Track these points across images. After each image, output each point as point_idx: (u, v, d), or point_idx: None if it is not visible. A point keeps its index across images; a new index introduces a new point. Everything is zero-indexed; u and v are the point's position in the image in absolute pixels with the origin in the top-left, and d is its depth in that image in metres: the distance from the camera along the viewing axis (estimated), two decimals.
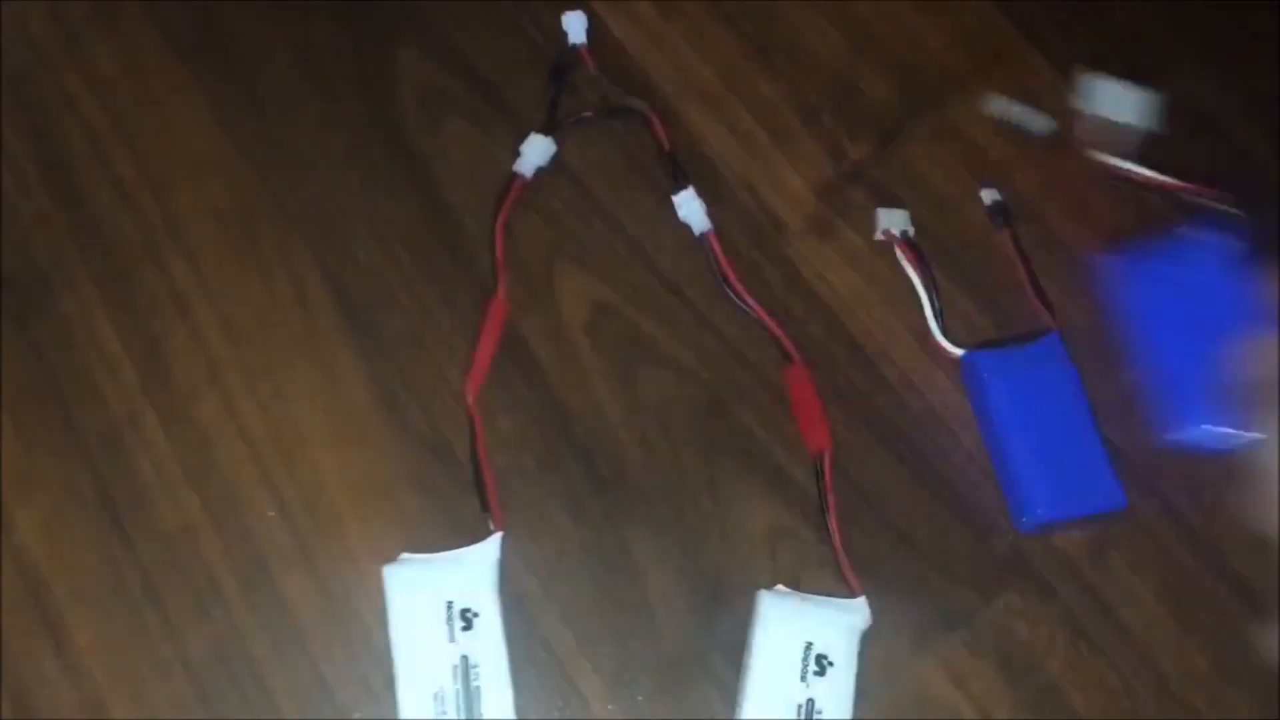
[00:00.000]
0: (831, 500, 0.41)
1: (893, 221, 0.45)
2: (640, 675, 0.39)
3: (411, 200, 0.45)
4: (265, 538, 0.40)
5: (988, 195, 0.46)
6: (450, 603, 0.38)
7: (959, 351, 0.43)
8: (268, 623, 0.39)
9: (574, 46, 0.47)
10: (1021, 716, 0.39)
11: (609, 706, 0.39)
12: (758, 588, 0.40)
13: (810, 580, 0.40)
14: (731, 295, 0.43)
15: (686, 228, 0.45)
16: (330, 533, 0.40)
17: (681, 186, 0.45)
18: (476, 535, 0.39)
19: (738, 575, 0.40)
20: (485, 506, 0.40)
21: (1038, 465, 0.41)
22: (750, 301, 0.43)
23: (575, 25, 0.47)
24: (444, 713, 0.37)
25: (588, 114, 0.46)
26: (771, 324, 0.43)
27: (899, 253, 0.45)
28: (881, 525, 0.41)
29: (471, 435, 0.41)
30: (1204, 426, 0.41)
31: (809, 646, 0.38)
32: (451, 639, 0.37)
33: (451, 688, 0.37)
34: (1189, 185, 0.45)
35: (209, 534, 0.40)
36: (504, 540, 0.39)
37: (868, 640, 0.39)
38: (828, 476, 0.41)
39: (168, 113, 0.45)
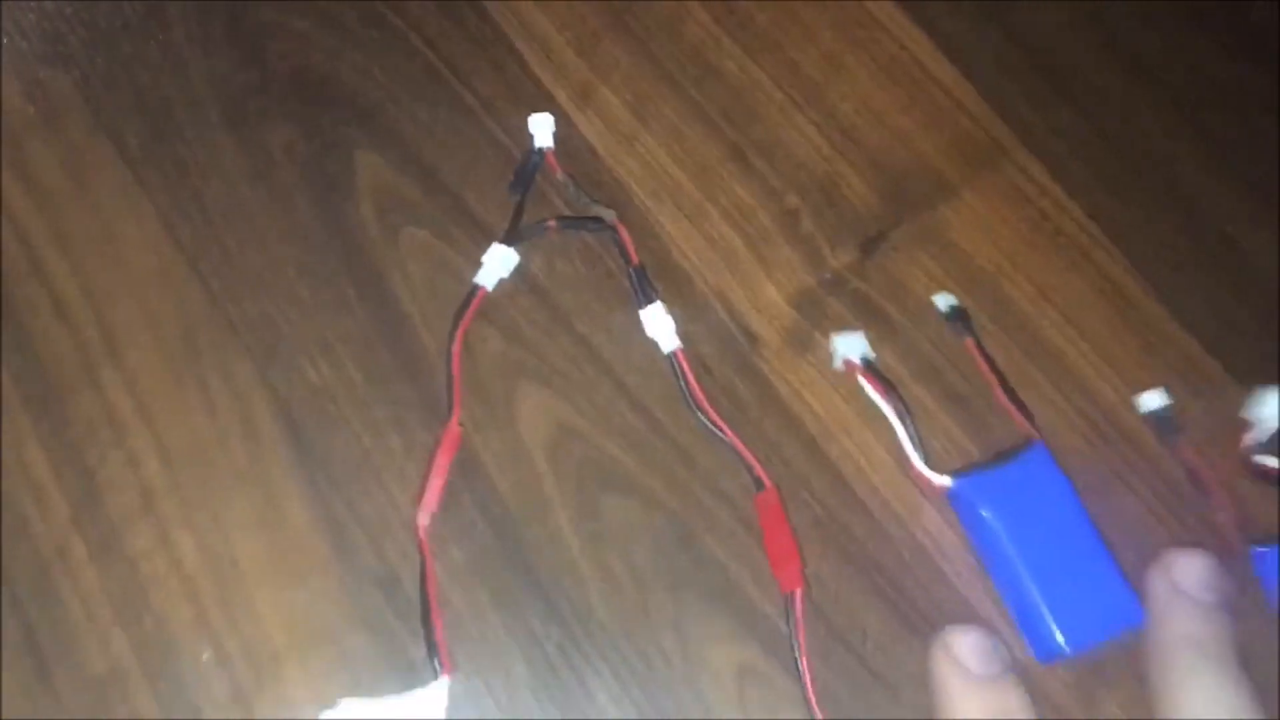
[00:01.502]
0: (803, 641, 0.38)
1: (850, 348, 0.42)
2: None
3: (366, 315, 0.43)
4: (198, 684, 0.37)
5: (943, 301, 0.44)
6: None
7: (946, 481, 0.41)
8: None
9: (539, 150, 0.45)
10: None
11: None
12: None
13: None
14: (701, 416, 0.41)
15: (656, 346, 0.43)
16: (267, 676, 0.37)
17: (649, 300, 0.43)
18: (424, 677, 0.37)
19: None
20: (432, 648, 0.37)
21: (1052, 595, 0.38)
22: (720, 424, 0.41)
23: (542, 128, 0.45)
24: None
25: (552, 222, 0.44)
26: (743, 449, 0.41)
27: (863, 381, 0.42)
28: (856, 664, 0.39)
29: (421, 571, 0.38)
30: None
31: None
32: None
33: None
34: None
35: (138, 679, 0.37)
36: (451, 686, 0.37)
37: None
38: (799, 617, 0.38)
39: (110, 222, 0.43)
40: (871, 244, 0.45)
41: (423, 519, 0.39)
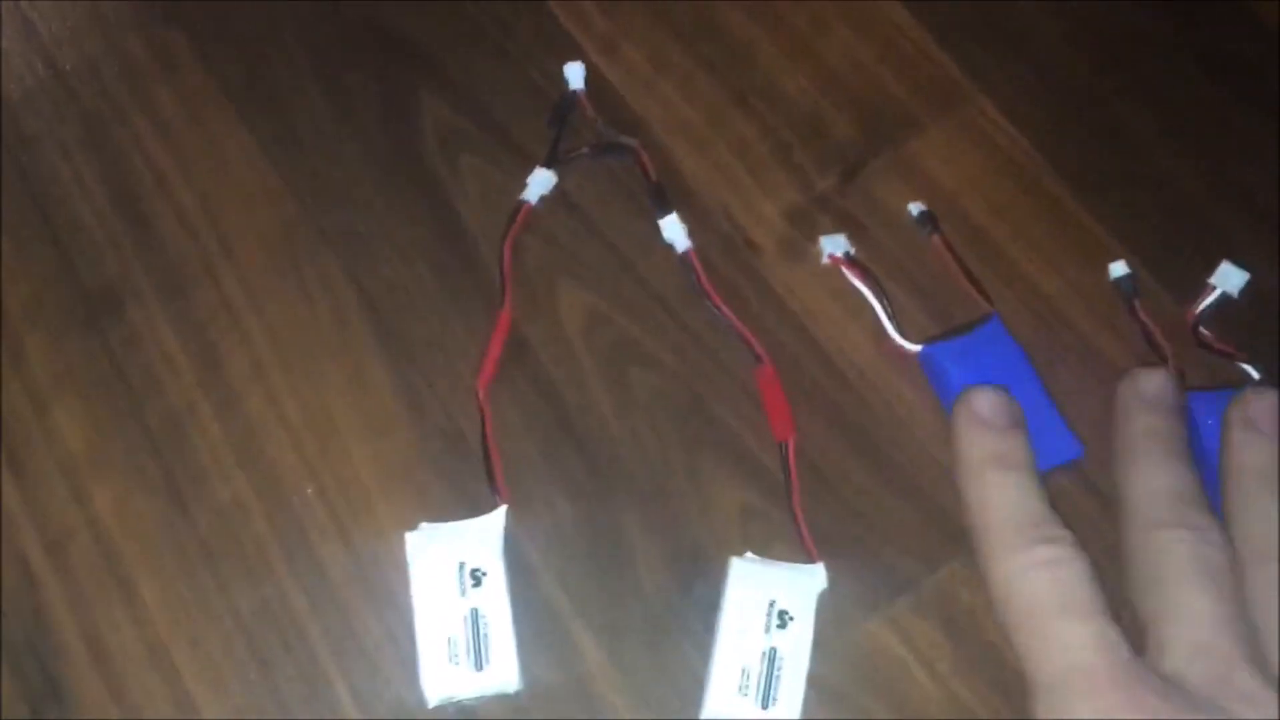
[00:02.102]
0: (795, 483, 0.47)
1: (834, 246, 0.51)
2: (627, 630, 0.45)
3: (431, 225, 0.51)
4: (304, 512, 0.46)
5: (914, 207, 0.52)
6: (462, 563, 0.44)
7: (916, 348, 0.49)
8: (307, 585, 0.45)
9: (573, 92, 0.54)
10: (962, 669, 0.45)
11: (599, 654, 0.45)
12: (730, 556, 0.46)
13: (775, 551, 0.46)
14: (709, 305, 0.50)
15: (672, 249, 0.51)
16: (360, 508, 0.46)
17: (666, 212, 0.51)
18: (486, 510, 0.46)
19: (713, 547, 0.46)
20: (493, 484, 0.46)
21: None
22: (725, 310, 0.49)
23: (575, 74, 0.54)
24: (455, 657, 0.43)
25: (585, 150, 0.53)
26: (744, 330, 0.49)
27: (845, 271, 0.51)
28: (839, 505, 0.47)
29: (481, 423, 0.47)
30: None
31: (772, 604, 0.44)
32: (463, 594, 0.43)
33: (463, 635, 0.43)
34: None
35: (256, 508, 0.46)
36: (508, 513, 0.46)
37: (824, 601, 0.45)
38: (792, 461, 0.47)
39: (220, 149, 0.52)
40: (852, 171, 0.54)
41: (481, 385, 0.48)
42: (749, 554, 0.46)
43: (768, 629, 0.44)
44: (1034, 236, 0.53)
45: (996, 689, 0.45)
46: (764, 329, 0.50)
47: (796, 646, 0.44)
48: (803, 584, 0.45)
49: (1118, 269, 0.52)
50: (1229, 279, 0.51)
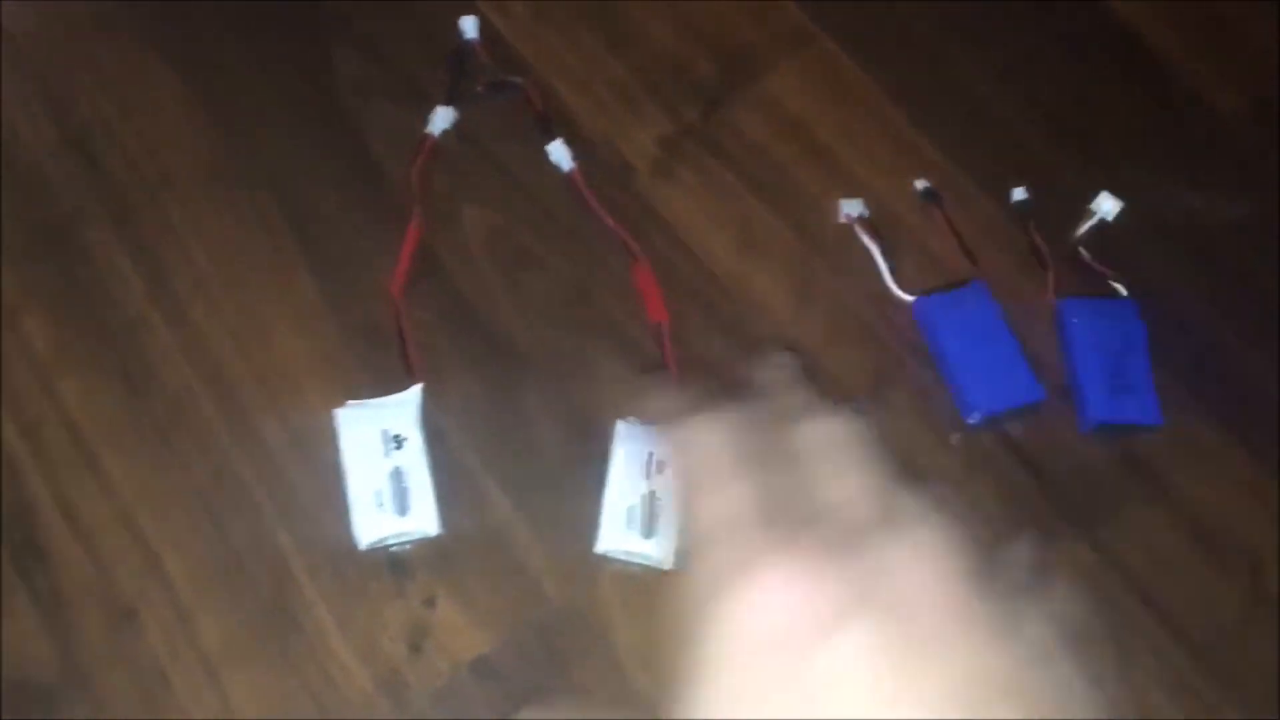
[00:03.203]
0: (669, 355, 0.55)
1: (852, 208, 0.59)
2: (529, 481, 0.52)
3: (346, 157, 0.58)
4: (249, 398, 0.53)
5: (919, 184, 0.60)
6: (384, 430, 0.51)
7: (910, 298, 0.57)
8: (253, 456, 0.52)
9: (469, 40, 0.62)
10: None
11: (507, 504, 0.52)
12: (616, 420, 0.53)
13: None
14: (594, 212, 0.57)
15: (558, 170, 0.59)
16: (295, 393, 0.53)
17: (551, 138, 0.59)
18: (404, 388, 0.53)
19: (601, 415, 0.54)
20: (408, 366, 0.53)
21: (977, 373, 0.55)
22: (604, 215, 0.57)
23: (469, 25, 0.62)
24: (382, 505, 0.50)
25: (479, 89, 0.60)
26: (621, 231, 0.57)
27: (859, 230, 0.58)
28: (709, 374, 0.55)
29: (396, 317, 0.55)
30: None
31: (650, 455, 0.52)
32: (386, 455, 0.51)
33: (388, 488, 0.50)
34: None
35: (205, 397, 0.53)
36: (423, 390, 0.53)
37: None
38: (666, 340, 0.55)
39: (155, 98, 0.59)
40: (714, 103, 0.62)
41: (396, 285, 0.55)
42: (631, 418, 0.53)
43: (648, 474, 0.51)
44: (873, 153, 0.61)
45: None
46: (641, 234, 0.58)
47: (671, 490, 0.51)
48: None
49: (1018, 194, 0.60)
50: (1106, 205, 0.60)
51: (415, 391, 0.53)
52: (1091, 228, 0.59)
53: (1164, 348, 0.57)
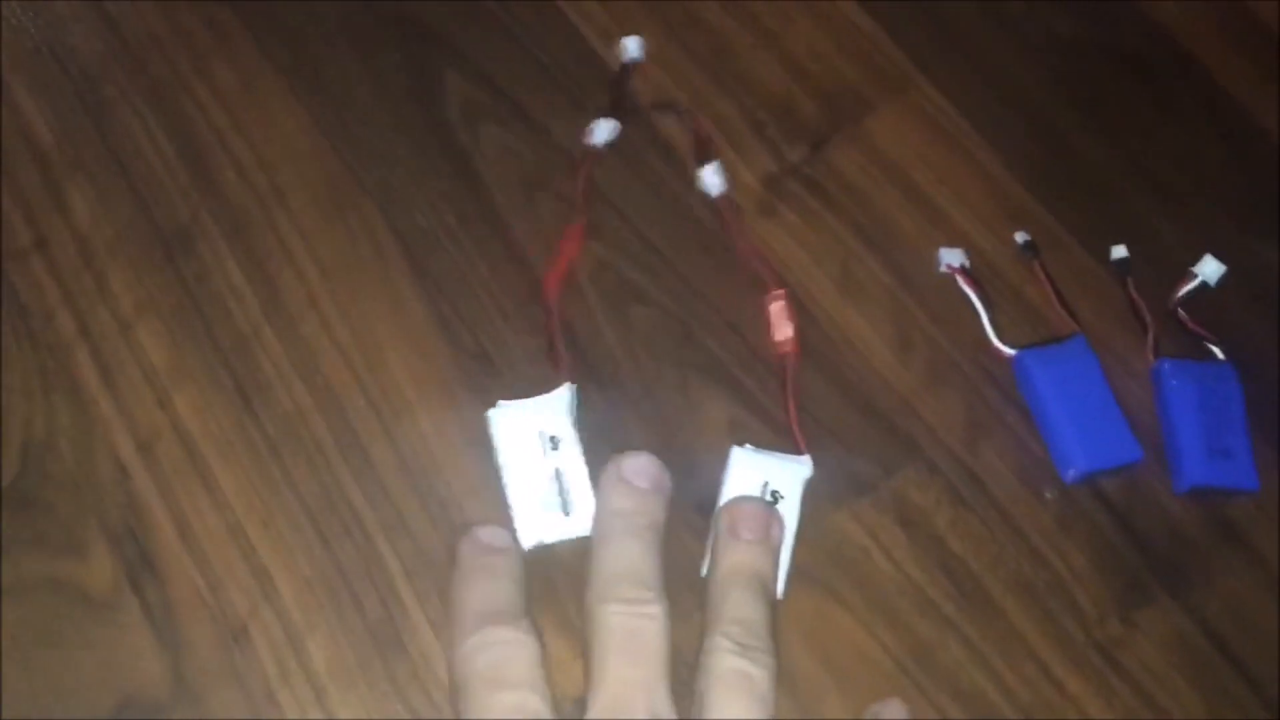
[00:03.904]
0: (791, 389, 0.55)
1: (952, 258, 0.59)
2: None
3: (455, 181, 0.59)
4: (357, 418, 0.53)
5: (1019, 236, 0.60)
6: (541, 431, 0.52)
7: (1011, 352, 0.57)
8: (360, 478, 0.52)
9: (632, 59, 0.63)
10: (915, 554, 0.53)
11: None
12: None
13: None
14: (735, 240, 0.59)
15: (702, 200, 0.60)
16: (403, 416, 0.53)
17: (708, 161, 0.60)
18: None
19: (706, 454, 0.54)
20: (556, 365, 0.54)
21: (1076, 432, 0.55)
22: (749, 245, 0.58)
23: (633, 45, 0.63)
24: (547, 508, 0.51)
25: (647, 108, 0.62)
26: (763, 262, 0.58)
27: (960, 280, 0.58)
28: (809, 419, 0.55)
29: (548, 317, 0.55)
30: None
31: (766, 484, 0.52)
32: (545, 455, 0.51)
33: (550, 490, 0.51)
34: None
35: (314, 414, 0.53)
36: (575, 390, 0.53)
37: (805, 491, 0.53)
38: (790, 373, 0.55)
39: (273, 115, 0.59)
40: (817, 144, 0.62)
41: (549, 288, 0.56)
42: (748, 445, 0.53)
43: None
44: (971, 200, 0.62)
45: (942, 571, 0.53)
46: (747, 273, 0.58)
47: (785, 520, 0.52)
48: (793, 469, 0.53)
49: (1118, 251, 0.60)
50: (1209, 269, 0.60)
51: (566, 390, 0.53)
52: (1192, 290, 0.60)
53: (1261, 414, 0.57)
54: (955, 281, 0.59)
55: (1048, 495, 0.55)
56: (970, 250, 0.60)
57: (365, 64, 0.62)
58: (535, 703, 0.44)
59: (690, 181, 0.60)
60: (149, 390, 0.53)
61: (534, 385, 0.54)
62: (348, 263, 0.57)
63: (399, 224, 0.58)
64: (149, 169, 0.58)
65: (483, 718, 0.43)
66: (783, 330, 0.56)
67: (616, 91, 0.62)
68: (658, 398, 0.55)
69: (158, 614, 0.49)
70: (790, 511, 0.52)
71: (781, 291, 0.57)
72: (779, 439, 0.54)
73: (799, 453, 0.54)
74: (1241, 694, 0.52)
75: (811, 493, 0.53)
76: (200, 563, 0.50)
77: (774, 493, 0.52)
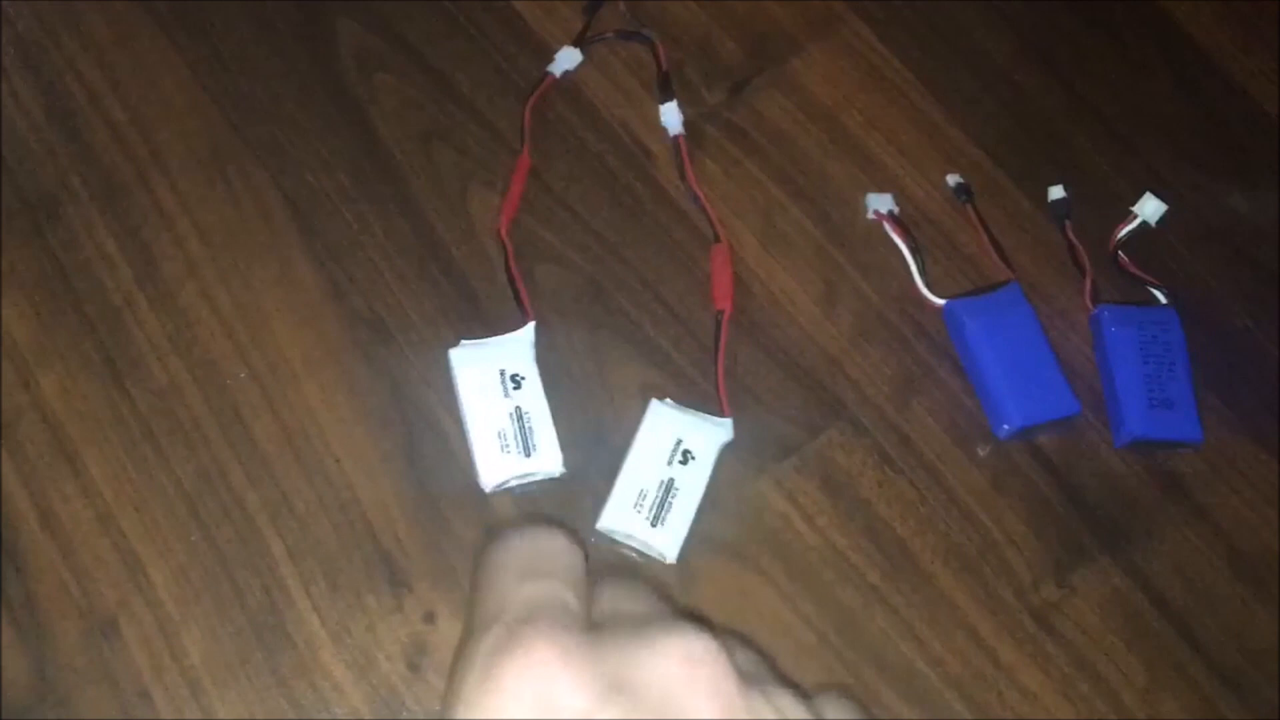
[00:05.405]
0: (723, 346, 0.52)
1: (880, 204, 0.56)
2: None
3: (349, 136, 0.55)
4: (239, 392, 0.50)
5: (951, 179, 0.57)
6: (502, 369, 0.49)
7: (940, 301, 0.54)
8: (242, 456, 0.49)
9: None
10: (839, 521, 0.50)
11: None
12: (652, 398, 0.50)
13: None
14: (686, 185, 0.56)
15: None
16: (289, 388, 0.50)
17: (668, 98, 0.57)
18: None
19: (615, 419, 0.51)
20: (520, 305, 0.51)
21: (1009, 384, 0.52)
22: (697, 190, 0.55)
23: None
24: (507, 448, 0.48)
25: (609, 34, 0.59)
26: (710, 209, 0.55)
27: (887, 226, 0.55)
28: (734, 383, 0.52)
29: (505, 256, 0.53)
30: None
31: (679, 442, 0.49)
32: (506, 395, 0.49)
33: (511, 429, 0.48)
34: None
35: (191, 390, 0.50)
36: (536, 328, 0.51)
37: (723, 457, 0.50)
38: (724, 327, 0.52)
39: (149, 69, 0.55)
40: (738, 87, 0.59)
41: (504, 223, 0.53)
42: (668, 399, 0.51)
43: (670, 461, 0.49)
44: (903, 144, 0.58)
45: (868, 537, 0.50)
46: (659, 225, 0.55)
47: (693, 482, 0.49)
48: (710, 431, 0.50)
49: (1055, 192, 0.57)
50: (1149, 208, 0.57)
51: (529, 330, 0.51)
52: (1132, 230, 0.56)
53: (1205, 359, 0.54)
54: (884, 230, 0.56)
55: (980, 453, 0.52)
56: (902, 197, 0.57)
57: (250, 13, 0.58)
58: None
59: (600, 128, 0.57)
60: (10, 369, 0.50)
61: (431, 349, 0.51)
62: (230, 226, 0.53)
63: (287, 184, 0.54)
64: (12, 130, 0.54)
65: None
66: (722, 284, 0.53)
67: (589, 17, 0.59)
68: (567, 360, 0.52)
69: (19, 609, 0.46)
70: (700, 475, 0.49)
71: (721, 244, 0.54)
72: (698, 401, 0.51)
73: (722, 415, 0.51)
74: (1184, 657, 0.50)
75: (731, 458, 0.50)
76: (66, 553, 0.47)
77: (686, 452, 0.49)
